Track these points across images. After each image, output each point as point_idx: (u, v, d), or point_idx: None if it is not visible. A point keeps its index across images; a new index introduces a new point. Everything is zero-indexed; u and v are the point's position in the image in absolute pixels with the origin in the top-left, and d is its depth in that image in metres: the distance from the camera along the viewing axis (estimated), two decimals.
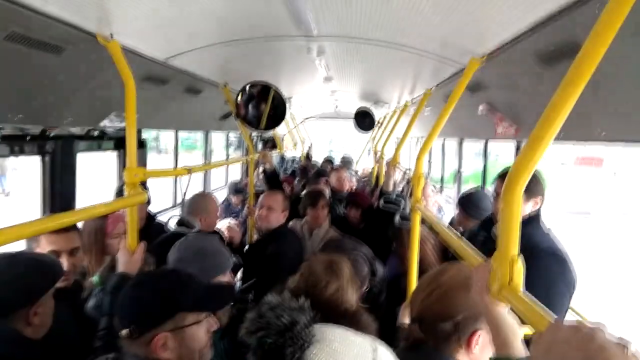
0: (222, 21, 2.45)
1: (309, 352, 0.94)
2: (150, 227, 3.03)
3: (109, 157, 3.68)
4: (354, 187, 5.56)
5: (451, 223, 3.38)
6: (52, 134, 2.80)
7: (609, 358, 0.58)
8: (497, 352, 1.07)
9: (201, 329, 1.39)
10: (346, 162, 7.84)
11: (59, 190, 2.94)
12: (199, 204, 3.12)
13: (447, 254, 3.00)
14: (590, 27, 1.48)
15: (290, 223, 3.50)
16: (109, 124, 2.92)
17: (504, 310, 1.05)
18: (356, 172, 8.17)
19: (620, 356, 0.58)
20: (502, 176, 2.30)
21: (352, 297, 1.79)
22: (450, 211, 4.75)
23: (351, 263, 1.94)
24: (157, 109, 3.48)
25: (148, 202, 2.56)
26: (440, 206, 4.70)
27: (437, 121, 2.30)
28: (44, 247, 1.85)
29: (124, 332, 1.29)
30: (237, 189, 5.62)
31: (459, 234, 1.74)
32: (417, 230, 2.35)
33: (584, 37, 1.57)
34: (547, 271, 2.01)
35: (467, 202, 3.08)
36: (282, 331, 0.93)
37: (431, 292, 1.37)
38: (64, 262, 1.86)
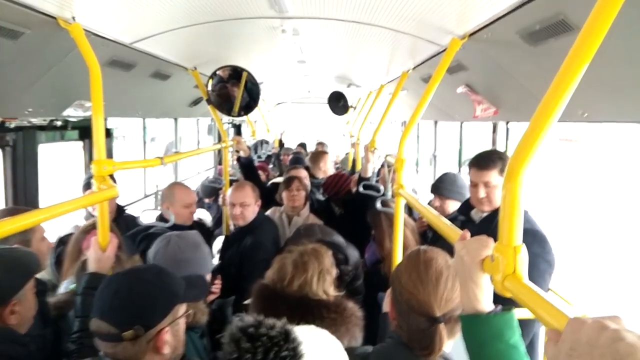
0: (191, 1, 2.32)
1: None
2: (118, 220, 2.92)
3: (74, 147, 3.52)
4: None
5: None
6: (12, 125, 2.65)
7: None
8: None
9: (184, 320, 1.39)
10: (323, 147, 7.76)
11: (21, 184, 2.83)
12: (164, 192, 3.03)
13: (425, 238, 3.01)
14: (577, 5, 1.47)
15: (269, 211, 3.43)
16: (72, 113, 2.77)
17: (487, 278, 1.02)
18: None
19: None
20: (474, 163, 2.25)
21: (320, 288, 1.77)
22: (425, 193, 4.77)
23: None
24: (123, 95, 3.32)
25: (118, 195, 2.45)
26: (414, 189, 4.70)
27: (419, 104, 2.25)
28: None
29: (128, 333, 1.21)
30: (211, 190, 5.24)
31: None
32: (399, 215, 2.32)
33: (570, 16, 1.56)
34: (528, 251, 2.01)
35: (440, 185, 3.07)
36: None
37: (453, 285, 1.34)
38: None
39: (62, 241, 2.37)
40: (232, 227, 3.75)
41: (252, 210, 2.97)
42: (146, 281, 1.31)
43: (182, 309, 1.36)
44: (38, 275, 1.95)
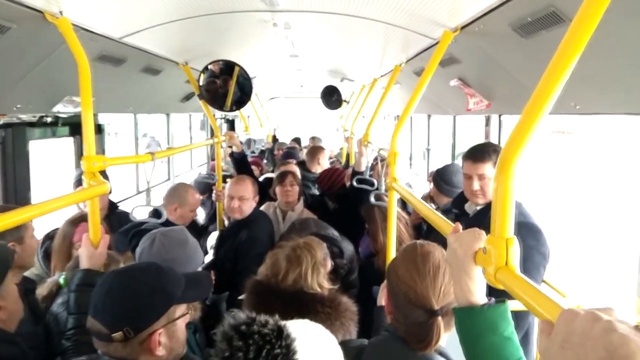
0: None
1: None
2: (111, 217, 2.91)
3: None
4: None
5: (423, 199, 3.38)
6: (1, 122, 2.63)
7: (633, 350, 0.54)
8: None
9: (185, 321, 1.36)
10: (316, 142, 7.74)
11: (12, 181, 2.80)
12: (176, 191, 3.03)
13: (420, 230, 3.02)
14: None
15: (263, 206, 3.42)
16: (63, 109, 2.73)
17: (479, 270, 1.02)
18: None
19: None
20: (469, 156, 2.25)
21: (315, 281, 1.78)
22: (419, 186, 4.78)
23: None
24: (113, 91, 3.28)
25: (109, 191, 2.43)
26: (409, 183, 4.70)
27: (412, 97, 2.25)
28: None
29: (117, 335, 1.19)
30: (205, 186, 5.23)
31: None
32: (393, 208, 2.32)
33: (561, 7, 1.55)
34: (522, 244, 2.01)
35: (440, 179, 3.08)
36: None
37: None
38: None
39: (49, 236, 2.35)
40: (226, 222, 3.75)
41: (250, 205, 2.97)
42: (140, 281, 1.29)
43: (179, 309, 1.32)
44: (26, 273, 1.93)
